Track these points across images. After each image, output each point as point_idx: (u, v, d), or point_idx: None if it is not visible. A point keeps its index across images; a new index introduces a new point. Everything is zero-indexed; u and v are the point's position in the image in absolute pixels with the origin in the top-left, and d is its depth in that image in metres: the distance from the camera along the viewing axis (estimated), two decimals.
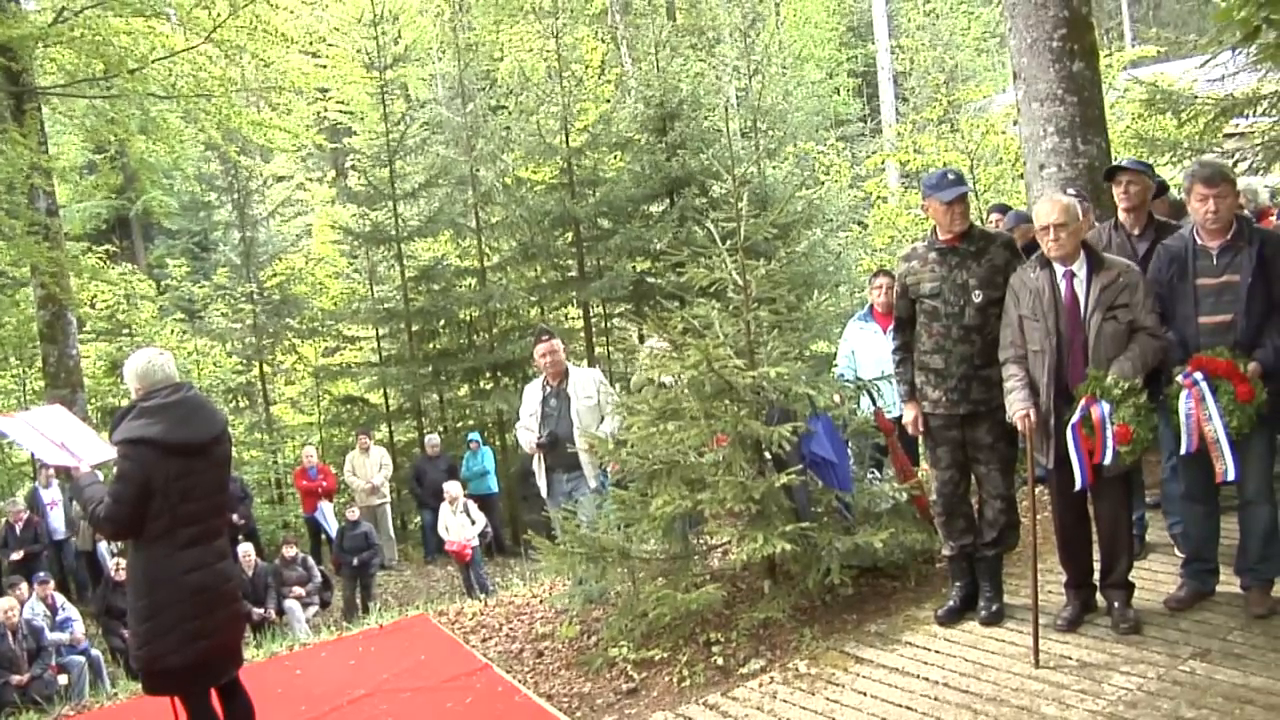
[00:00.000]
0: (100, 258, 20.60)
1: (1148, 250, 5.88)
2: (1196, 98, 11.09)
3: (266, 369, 21.64)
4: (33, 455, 4.95)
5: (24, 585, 11.72)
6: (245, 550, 13.70)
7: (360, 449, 16.73)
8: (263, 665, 7.05)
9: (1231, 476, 5.03)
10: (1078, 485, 5.16)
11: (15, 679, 10.58)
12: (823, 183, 19.91)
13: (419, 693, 6.15)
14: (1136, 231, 6.15)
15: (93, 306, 20.66)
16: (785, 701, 5.24)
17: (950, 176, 5.64)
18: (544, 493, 7.70)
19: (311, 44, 21.81)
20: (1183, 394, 5.08)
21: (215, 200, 24.19)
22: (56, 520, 14.32)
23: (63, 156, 23.47)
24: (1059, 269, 5.24)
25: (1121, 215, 6.26)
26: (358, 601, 14.24)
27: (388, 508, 16.83)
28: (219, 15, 16.04)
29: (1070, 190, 7.30)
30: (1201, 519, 5.56)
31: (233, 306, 21.54)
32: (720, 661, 5.77)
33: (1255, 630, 5.19)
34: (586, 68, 23.98)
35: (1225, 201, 5.21)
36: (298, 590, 13.81)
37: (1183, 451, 5.17)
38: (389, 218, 18.83)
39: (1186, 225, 5.51)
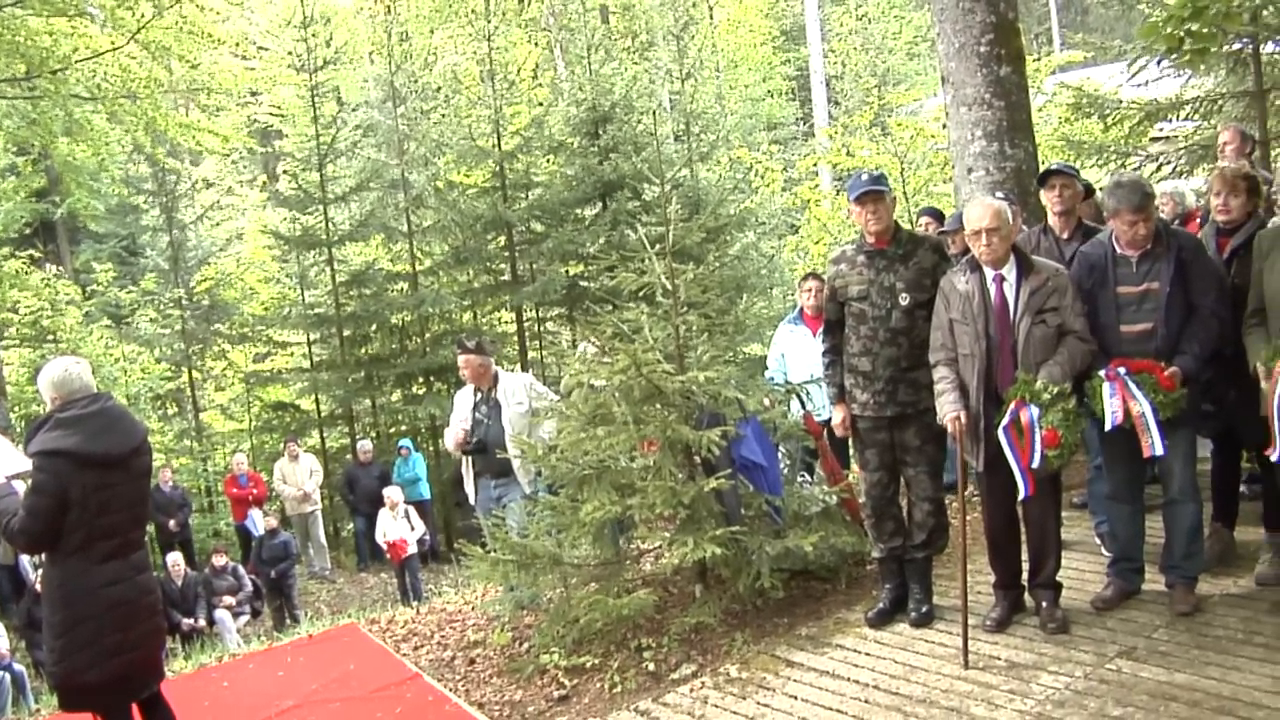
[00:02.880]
0: (23, 262, 20.17)
1: (1075, 253, 5.91)
2: (1122, 102, 11.28)
3: (196, 375, 21.31)
4: None
5: None
6: (174, 560, 13.53)
7: (289, 456, 16.49)
8: (190, 677, 6.94)
9: (1159, 452, 5.03)
10: (1021, 494, 5.19)
11: None
12: (755, 188, 19.97)
13: (348, 703, 6.07)
14: (1065, 235, 6.14)
15: (15, 312, 20.19)
16: (716, 706, 5.22)
17: (864, 177, 5.65)
18: (470, 499, 7.68)
19: (239, 46, 21.47)
20: (1105, 384, 5.10)
21: (143, 204, 23.75)
22: None
23: None
24: (989, 273, 5.24)
25: (1052, 219, 6.27)
26: (284, 611, 14.05)
27: (319, 515, 16.57)
28: (143, 16, 15.75)
29: (999, 194, 7.36)
30: (1127, 518, 5.61)
31: (161, 312, 21.21)
32: (651, 667, 5.74)
33: (1180, 628, 5.25)
34: (519, 71, 23.88)
35: (1151, 221, 5.23)
36: (228, 600, 13.63)
37: (1107, 427, 5.10)
38: (320, 222, 18.60)
39: (1106, 230, 5.53)
